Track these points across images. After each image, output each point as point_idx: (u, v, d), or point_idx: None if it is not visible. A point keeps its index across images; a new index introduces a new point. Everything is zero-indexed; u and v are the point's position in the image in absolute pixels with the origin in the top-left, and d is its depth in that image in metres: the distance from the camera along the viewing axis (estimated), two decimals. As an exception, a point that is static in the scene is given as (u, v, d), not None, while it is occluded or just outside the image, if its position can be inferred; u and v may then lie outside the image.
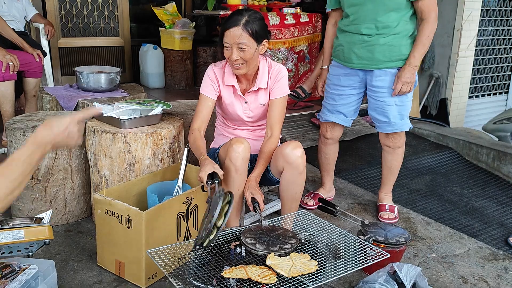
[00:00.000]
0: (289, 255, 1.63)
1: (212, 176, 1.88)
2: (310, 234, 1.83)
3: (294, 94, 4.15)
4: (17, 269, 1.70)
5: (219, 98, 2.24)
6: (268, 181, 2.25)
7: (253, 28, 2.03)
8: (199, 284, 1.49)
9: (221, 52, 2.10)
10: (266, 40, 2.11)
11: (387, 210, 2.68)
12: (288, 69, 4.30)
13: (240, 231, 1.78)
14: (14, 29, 3.26)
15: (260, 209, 1.90)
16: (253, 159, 2.18)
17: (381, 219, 2.64)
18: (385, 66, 2.38)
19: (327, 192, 2.86)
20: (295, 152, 2.04)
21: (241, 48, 2.02)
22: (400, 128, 2.48)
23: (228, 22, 2.03)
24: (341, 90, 2.53)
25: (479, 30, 4.62)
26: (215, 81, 2.21)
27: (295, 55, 4.32)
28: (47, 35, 3.67)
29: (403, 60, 2.37)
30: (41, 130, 1.34)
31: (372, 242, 2.02)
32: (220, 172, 1.89)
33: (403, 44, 2.36)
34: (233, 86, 2.20)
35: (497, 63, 5.14)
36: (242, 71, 2.11)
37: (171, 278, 1.48)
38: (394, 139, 2.52)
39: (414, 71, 2.35)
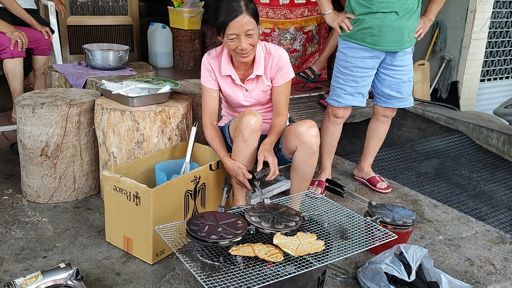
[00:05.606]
0: (296, 234, 1.64)
1: (226, 181, 1.97)
2: (318, 214, 1.83)
3: (303, 75, 4.11)
4: None
5: (219, 88, 2.21)
6: (278, 161, 2.22)
7: (253, 8, 1.95)
8: (206, 261, 1.51)
9: (213, 45, 2.08)
10: None
11: (380, 180, 2.81)
12: (295, 49, 4.25)
13: (245, 210, 1.78)
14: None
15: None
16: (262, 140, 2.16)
17: (380, 191, 2.77)
18: (407, 46, 2.47)
19: (329, 176, 2.79)
20: (310, 132, 1.99)
21: (250, 34, 1.94)
22: (410, 103, 2.62)
23: (228, 13, 1.90)
24: (365, 72, 2.50)
25: (493, 12, 4.51)
26: (211, 72, 2.16)
27: (303, 35, 4.26)
28: (61, 14, 3.69)
29: (415, 39, 2.50)
30: None
31: (379, 223, 2.02)
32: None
33: (417, 25, 2.47)
34: (230, 75, 2.14)
35: (511, 46, 5.04)
36: (250, 57, 2.04)
37: (179, 254, 1.50)
38: (394, 109, 2.68)
39: (430, 24, 2.56)
